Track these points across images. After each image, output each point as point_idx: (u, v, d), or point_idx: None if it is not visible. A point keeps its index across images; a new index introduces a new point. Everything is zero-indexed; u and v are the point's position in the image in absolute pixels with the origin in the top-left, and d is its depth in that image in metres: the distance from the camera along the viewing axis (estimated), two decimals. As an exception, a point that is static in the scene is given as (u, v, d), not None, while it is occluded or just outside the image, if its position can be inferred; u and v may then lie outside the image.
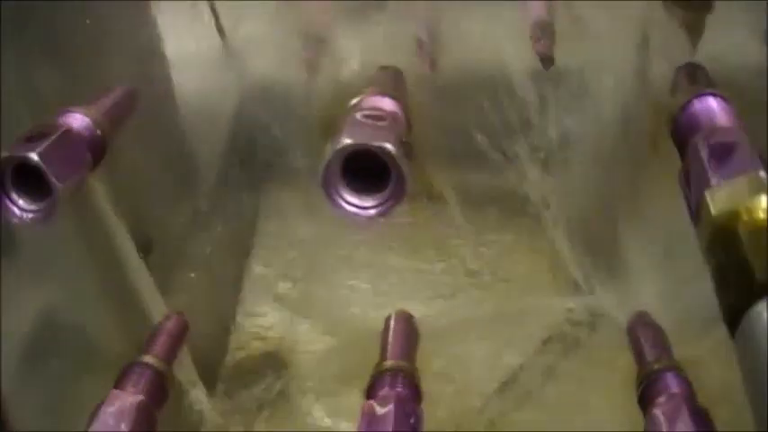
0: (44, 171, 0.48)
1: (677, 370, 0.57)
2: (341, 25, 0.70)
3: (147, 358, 0.58)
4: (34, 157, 0.48)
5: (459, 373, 0.73)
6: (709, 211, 0.43)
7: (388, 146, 0.45)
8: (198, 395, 0.74)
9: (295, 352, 0.79)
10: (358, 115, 0.48)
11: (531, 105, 0.70)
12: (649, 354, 0.59)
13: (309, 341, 0.79)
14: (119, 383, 0.57)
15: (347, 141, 0.45)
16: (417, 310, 0.65)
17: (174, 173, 0.76)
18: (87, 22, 0.62)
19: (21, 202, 0.49)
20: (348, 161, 0.47)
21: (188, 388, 0.73)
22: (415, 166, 0.74)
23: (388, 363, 0.58)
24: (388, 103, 0.50)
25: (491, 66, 0.71)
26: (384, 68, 0.59)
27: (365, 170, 0.47)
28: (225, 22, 0.72)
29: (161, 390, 0.57)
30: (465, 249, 0.76)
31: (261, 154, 0.76)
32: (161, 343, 0.60)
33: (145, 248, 0.71)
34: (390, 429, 0.52)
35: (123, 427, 0.54)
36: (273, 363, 0.78)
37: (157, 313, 0.67)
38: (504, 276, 0.76)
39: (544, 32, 0.68)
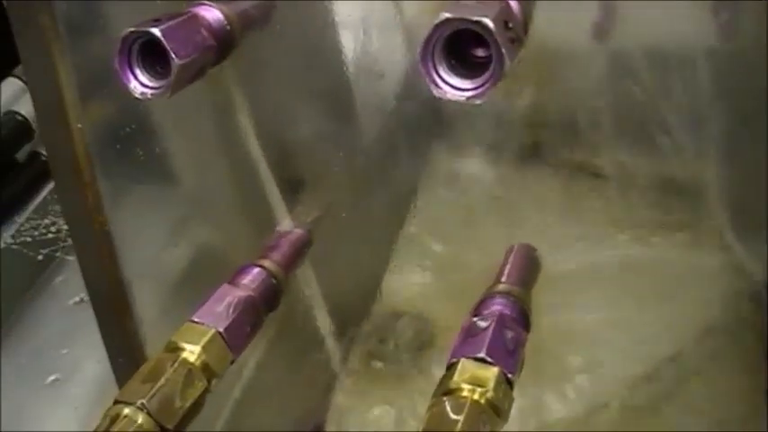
0: (164, 45, 0.50)
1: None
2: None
3: (264, 261, 0.59)
4: (157, 32, 0.50)
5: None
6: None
7: (487, 20, 0.43)
8: (333, 353, 0.74)
9: (438, 321, 0.77)
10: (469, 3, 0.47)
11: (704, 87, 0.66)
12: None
13: (454, 312, 0.77)
14: (232, 279, 0.58)
15: (447, 15, 0.44)
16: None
17: (335, 122, 0.78)
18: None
19: (143, 77, 0.52)
20: (457, 49, 0.46)
21: (323, 340, 0.73)
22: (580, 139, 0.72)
23: (501, 286, 0.56)
24: (503, -5, 0.49)
25: (669, 39, 0.68)
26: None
27: (475, 62, 0.47)
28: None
29: (272, 293, 0.58)
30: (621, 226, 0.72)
31: (427, 120, 0.76)
32: (280, 250, 0.60)
33: (296, 187, 0.72)
34: (485, 346, 0.50)
35: (230, 314, 0.55)
36: (415, 329, 0.77)
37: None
38: (662, 257, 0.71)
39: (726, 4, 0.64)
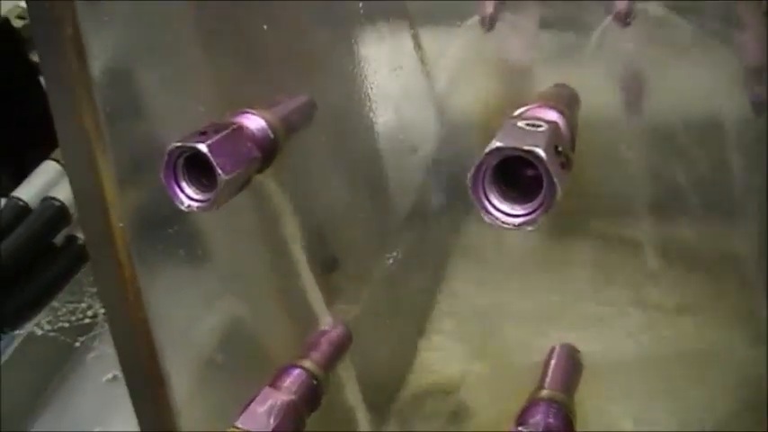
0: (211, 161, 0.50)
1: None
2: (545, 62, 0.70)
3: (305, 362, 0.59)
4: (203, 148, 0.50)
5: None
6: None
7: (539, 150, 0.43)
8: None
9: (470, 394, 0.77)
10: (514, 122, 0.47)
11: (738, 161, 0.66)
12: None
13: (485, 383, 0.77)
14: (273, 382, 0.58)
15: (498, 144, 0.44)
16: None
17: (368, 199, 0.78)
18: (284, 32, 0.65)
19: (189, 190, 0.52)
20: (505, 169, 0.46)
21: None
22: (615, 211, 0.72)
23: (545, 392, 0.55)
24: (550, 114, 0.49)
25: (701, 112, 0.68)
26: (558, 85, 0.57)
27: (524, 181, 0.47)
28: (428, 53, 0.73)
29: (314, 394, 0.58)
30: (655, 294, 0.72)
31: (458, 192, 0.76)
32: (321, 349, 0.60)
33: (329, 266, 0.72)
34: (534, 457, 0.51)
35: (272, 422, 0.55)
36: (447, 403, 0.77)
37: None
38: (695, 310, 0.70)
39: (758, 78, 0.64)
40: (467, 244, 0.81)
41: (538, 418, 0.53)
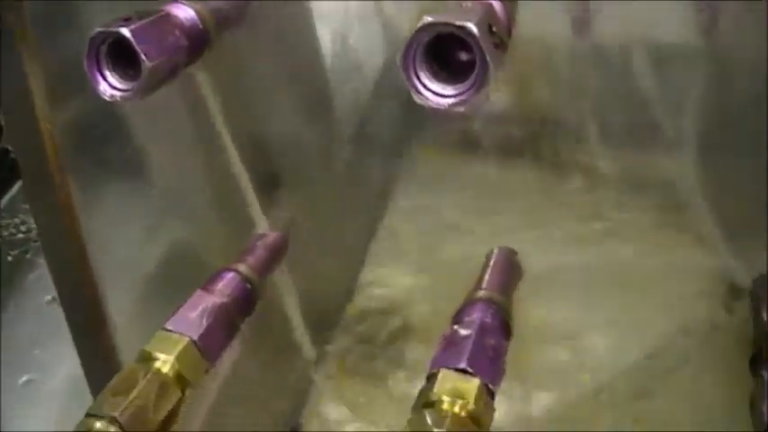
0: (134, 47, 0.48)
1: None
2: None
3: (239, 266, 0.58)
4: (126, 32, 0.48)
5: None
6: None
7: (471, 25, 0.42)
8: (307, 350, 0.73)
9: (417, 313, 0.76)
10: (451, 5, 0.45)
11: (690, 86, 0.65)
12: (768, 316, 0.52)
13: (433, 302, 0.76)
14: (206, 286, 0.56)
15: (429, 20, 0.43)
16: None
17: (313, 117, 0.76)
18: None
19: (112, 79, 0.50)
20: (440, 51, 0.45)
21: (298, 343, 0.72)
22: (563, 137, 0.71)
23: (481, 292, 0.54)
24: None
25: (650, 34, 0.67)
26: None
27: (459, 65, 0.45)
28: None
29: (247, 298, 0.57)
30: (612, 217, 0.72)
31: (405, 108, 0.74)
32: (255, 253, 0.59)
33: (270, 182, 0.71)
34: (465, 356, 0.49)
35: (203, 324, 0.53)
36: (392, 321, 0.76)
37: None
38: (645, 242, 0.70)
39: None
40: (411, 165, 0.80)
41: (474, 316, 0.52)
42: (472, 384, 0.48)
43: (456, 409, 0.47)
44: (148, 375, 0.51)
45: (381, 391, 0.73)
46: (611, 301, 0.68)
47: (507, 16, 0.48)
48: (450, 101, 0.44)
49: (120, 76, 0.50)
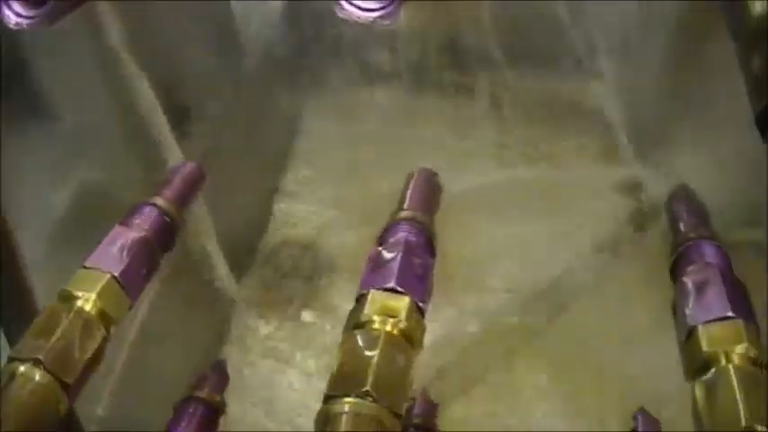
0: None
1: (714, 240, 0.52)
2: None
3: (156, 199, 0.56)
4: None
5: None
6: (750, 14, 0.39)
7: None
8: (228, 283, 0.72)
9: (329, 245, 0.76)
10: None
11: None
12: (686, 224, 0.54)
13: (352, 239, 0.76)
14: (124, 221, 0.55)
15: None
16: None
17: (220, 49, 0.74)
18: None
19: (17, 6, 0.48)
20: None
21: (218, 275, 0.71)
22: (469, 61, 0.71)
23: (404, 212, 0.55)
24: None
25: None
26: None
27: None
28: None
29: (167, 231, 0.56)
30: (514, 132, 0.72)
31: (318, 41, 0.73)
32: (172, 186, 0.58)
33: (181, 117, 0.69)
34: (394, 276, 0.49)
35: (124, 258, 0.52)
36: (307, 254, 0.76)
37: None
38: (551, 153, 0.71)
39: None
40: (325, 100, 0.79)
41: (399, 236, 0.53)
42: (402, 302, 0.48)
43: (388, 328, 0.48)
44: (71, 315, 0.49)
45: (301, 318, 0.73)
46: (527, 220, 0.69)
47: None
48: (375, 14, 0.44)
49: (26, 3, 0.48)
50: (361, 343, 0.47)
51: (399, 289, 0.49)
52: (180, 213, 0.57)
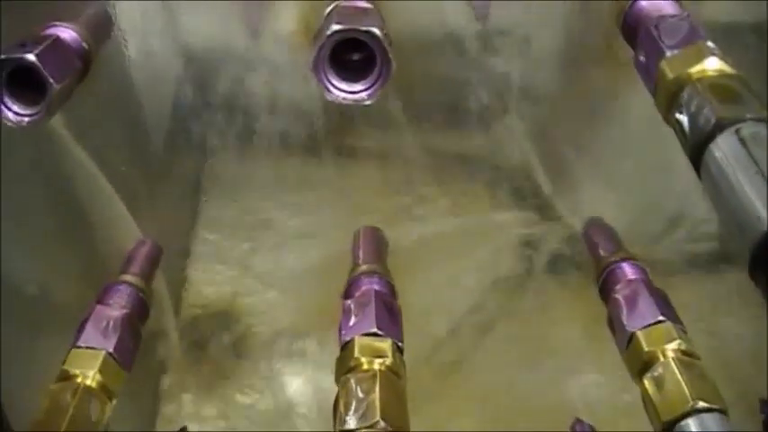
0: (41, 71, 0.49)
1: (633, 259, 0.62)
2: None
3: (127, 277, 0.60)
4: (31, 57, 0.49)
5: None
6: (665, 76, 0.49)
7: (376, 30, 0.48)
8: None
9: (246, 309, 0.80)
10: (344, 5, 0.52)
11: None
12: (604, 249, 0.64)
13: (259, 296, 0.80)
14: (101, 299, 0.58)
15: (336, 27, 0.49)
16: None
17: (126, 132, 0.77)
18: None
19: (15, 107, 0.51)
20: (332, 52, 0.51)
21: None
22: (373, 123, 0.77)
23: (363, 267, 0.61)
24: (364, 3, 0.54)
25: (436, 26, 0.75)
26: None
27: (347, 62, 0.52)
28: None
29: (143, 306, 0.59)
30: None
31: (205, 118, 0.77)
32: (138, 264, 0.61)
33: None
34: (374, 321, 0.56)
35: (114, 335, 0.55)
36: (224, 319, 0.79)
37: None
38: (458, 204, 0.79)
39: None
40: (220, 170, 0.83)
41: (366, 287, 0.59)
42: (386, 343, 0.55)
43: (377, 366, 0.54)
44: (78, 392, 0.52)
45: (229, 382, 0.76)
46: (436, 267, 0.76)
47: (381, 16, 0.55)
48: (359, 96, 0.50)
49: (22, 102, 0.50)
50: (358, 383, 0.53)
51: (380, 332, 0.55)
52: (149, 287, 0.60)
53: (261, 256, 0.79)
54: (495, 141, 0.75)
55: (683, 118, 0.47)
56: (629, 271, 0.61)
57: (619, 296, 0.58)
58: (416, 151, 0.75)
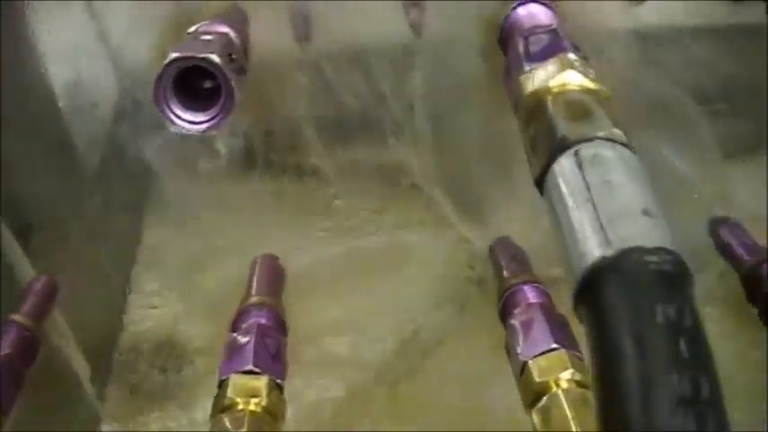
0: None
1: (535, 283, 0.59)
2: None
3: (15, 316, 0.58)
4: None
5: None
6: (524, 91, 0.46)
7: (213, 57, 0.46)
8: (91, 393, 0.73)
9: (187, 344, 0.79)
10: (191, 36, 0.50)
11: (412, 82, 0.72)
12: (508, 270, 0.61)
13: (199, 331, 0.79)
14: (-17, 340, 0.57)
15: (175, 55, 0.47)
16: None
17: (57, 161, 0.77)
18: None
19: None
20: (188, 83, 0.49)
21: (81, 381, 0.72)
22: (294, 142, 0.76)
23: (253, 298, 0.59)
24: (221, 27, 0.52)
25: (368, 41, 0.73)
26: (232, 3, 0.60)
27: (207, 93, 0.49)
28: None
29: (29, 347, 0.58)
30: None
31: (142, 142, 0.77)
32: (29, 302, 0.60)
33: (23, 233, 0.71)
34: (251, 358, 0.54)
35: (-11, 378, 0.54)
36: (165, 353, 0.78)
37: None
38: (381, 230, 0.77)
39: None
40: (160, 196, 0.82)
41: (251, 321, 0.57)
42: (261, 382, 0.53)
43: (251, 407, 0.52)
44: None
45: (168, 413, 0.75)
46: (366, 289, 0.74)
47: (243, 42, 0.53)
48: (203, 126, 0.48)
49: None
50: (229, 425, 0.51)
51: (256, 370, 0.53)
52: (39, 327, 0.59)
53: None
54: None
55: (532, 135, 0.44)
56: (529, 294, 0.57)
57: (515, 321, 0.55)
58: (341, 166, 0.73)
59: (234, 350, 0.54)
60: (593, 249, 0.35)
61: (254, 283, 0.60)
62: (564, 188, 0.39)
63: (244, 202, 0.77)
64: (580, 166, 0.39)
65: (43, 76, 0.74)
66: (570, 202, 0.38)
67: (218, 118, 0.48)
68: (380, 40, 0.72)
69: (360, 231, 0.77)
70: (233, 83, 0.47)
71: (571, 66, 0.45)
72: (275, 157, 0.75)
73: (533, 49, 0.48)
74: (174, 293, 0.79)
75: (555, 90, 0.44)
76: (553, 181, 0.40)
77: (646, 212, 0.36)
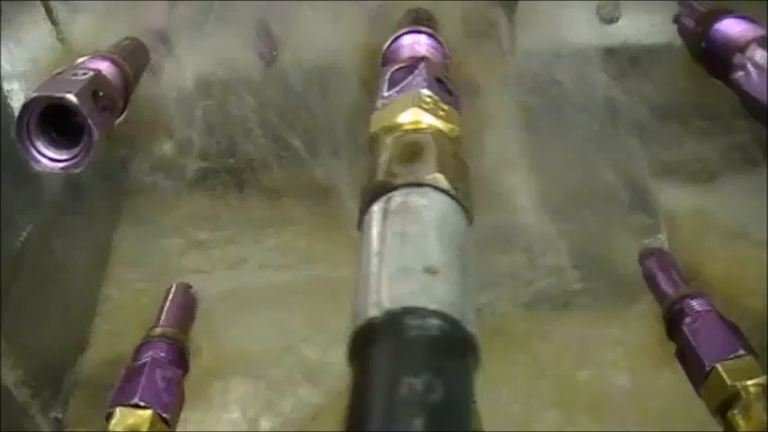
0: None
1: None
2: (181, 25, 0.72)
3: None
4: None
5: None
6: (369, 128, 0.44)
7: (70, 96, 0.46)
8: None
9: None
10: (59, 73, 0.50)
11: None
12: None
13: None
14: None
15: (34, 95, 0.47)
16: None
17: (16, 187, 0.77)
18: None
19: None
20: (60, 119, 0.49)
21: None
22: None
23: (156, 330, 0.59)
24: (99, 63, 0.52)
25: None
26: (129, 38, 0.60)
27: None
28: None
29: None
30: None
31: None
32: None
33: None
34: (138, 392, 0.53)
35: None
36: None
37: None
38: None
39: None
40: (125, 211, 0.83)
41: (149, 353, 0.57)
42: (146, 416, 0.53)
43: (135, 440, 0.52)
44: None
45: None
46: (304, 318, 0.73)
47: (124, 76, 0.53)
48: (63, 164, 0.48)
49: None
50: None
51: (142, 404, 0.53)
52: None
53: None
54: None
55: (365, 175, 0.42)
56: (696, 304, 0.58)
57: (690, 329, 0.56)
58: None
59: (125, 381, 0.54)
60: (367, 308, 0.33)
61: (164, 313, 0.60)
62: (366, 237, 0.37)
63: (222, 220, 0.78)
64: (385, 214, 0.37)
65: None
66: (365, 253, 0.36)
67: (79, 156, 0.47)
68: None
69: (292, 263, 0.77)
70: (92, 122, 0.47)
71: (420, 104, 0.43)
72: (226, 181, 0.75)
73: (391, 83, 0.46)
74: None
75: (395, 129, 0.42)
76: (366, 226, 0.38)
77: (428, 270, 0.33)
